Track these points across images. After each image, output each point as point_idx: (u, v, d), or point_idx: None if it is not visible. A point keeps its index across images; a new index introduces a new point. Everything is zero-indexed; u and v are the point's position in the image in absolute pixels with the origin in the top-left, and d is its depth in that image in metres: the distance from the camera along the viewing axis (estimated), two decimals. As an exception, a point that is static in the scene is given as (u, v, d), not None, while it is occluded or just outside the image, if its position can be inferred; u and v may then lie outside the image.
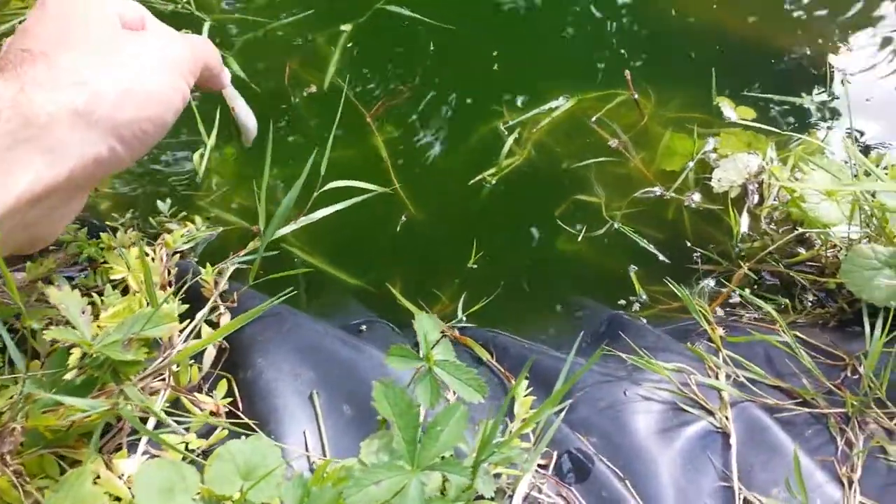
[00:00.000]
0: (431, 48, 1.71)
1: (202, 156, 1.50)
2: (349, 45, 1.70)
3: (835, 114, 1.60)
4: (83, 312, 0.99)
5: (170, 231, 1.35)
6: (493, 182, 1.50)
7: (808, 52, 1.71)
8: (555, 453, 1.05)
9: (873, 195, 1.24)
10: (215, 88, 1.07)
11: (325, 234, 1.43)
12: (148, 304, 1.18)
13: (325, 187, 1.37)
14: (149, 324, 0.98)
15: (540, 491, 1.00)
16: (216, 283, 1.21)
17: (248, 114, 1.21)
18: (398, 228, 1.44)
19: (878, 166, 1.37)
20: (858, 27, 1.76)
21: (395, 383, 0.87)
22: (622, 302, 1.37)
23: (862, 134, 1.56)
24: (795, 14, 1.79)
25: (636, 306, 1.36)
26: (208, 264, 1.21)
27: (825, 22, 1.77)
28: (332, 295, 1.38)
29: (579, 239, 1.43)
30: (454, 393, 1.09)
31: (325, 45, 1.70)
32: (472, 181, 1.50)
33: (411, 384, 0.96)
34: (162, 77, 0.86)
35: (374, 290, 1.38)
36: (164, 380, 1.09)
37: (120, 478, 0.96)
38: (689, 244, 1.42)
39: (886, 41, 1.73)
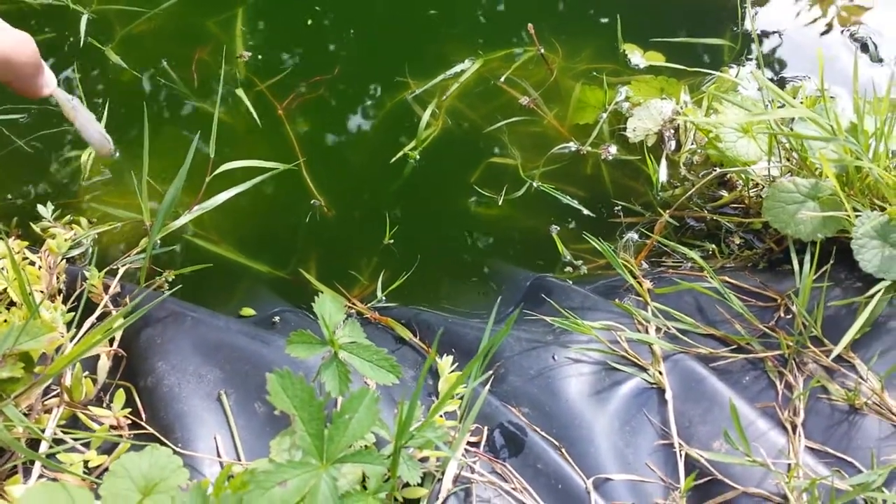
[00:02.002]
0: (328, 26, 1.63)
1: (90, 155, 1.40)
2: (243, 29, 1.61)
3: (747, 51, 1.56)
4: (-52, 331, 0.89)
5: (54, 236, 1.25)
6: (417, 157, 1.42)
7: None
8: (485, 429, 0.99)
9: (791, 127, 1.20)
10: (29, 94, 0.94)
11: (233, 224, 1.35)
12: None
13: (220, 169, 1.29)
14: (24, 335, 0.88)
15: (472, 470, 0.94)
16: (106, 288, 1.12)
17: (91, 126, 1.11)
18: (311, 213, 1.36)
19: (795, 98, 1.33)
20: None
21: (292, 373, 0.79)
22: (547, 264, 1.31)
23: (781, 67, 1.52)
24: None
25: (561, 267, 1.30)
26: (94, 268, 1.11)
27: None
28: (244, 288, 1.30)
29: (500, 203, 1.37)
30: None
31: (217, 28, 1.60)
32: (393, 159, 1.43)
33: (318, 372, 0.89)
34: None
35: (289, 277, 1.30)
36: (57, 396, 1.00)
37: (13, 507, 0.87)
38: (610, 198, 1.37)
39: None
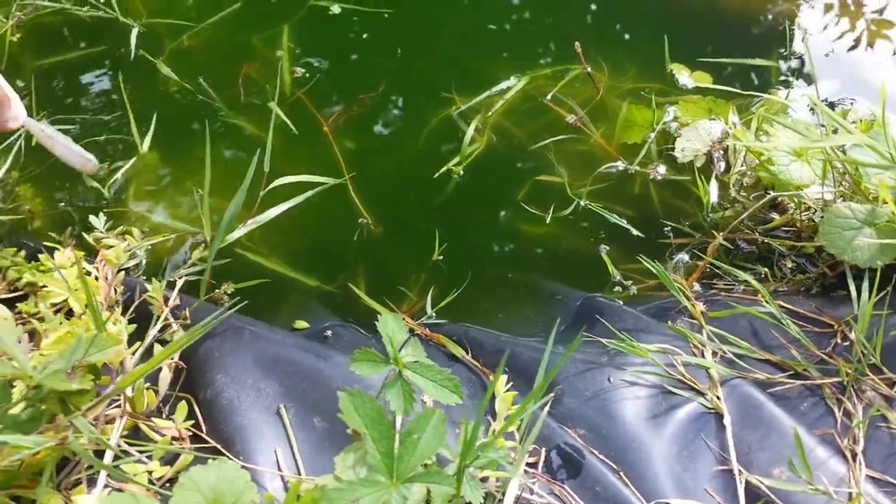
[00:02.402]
0: (372, 41, 1.64)
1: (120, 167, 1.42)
2: (290, 46, 1.62)
3: (795, 73, 1.56)
4: (19, 342, 0.91)
5: (109, 247, 1.27)
6: (461, 172, 1.43)
7: (764, 13, 1.67)
8: (543, 450, 0.99)
9: (844, 151, 1.20)
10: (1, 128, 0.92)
11: (283, 238, 1.36)
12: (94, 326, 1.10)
13: (274, 184, 1.30)
14: (92, 348, 0.90)
15: (531, 491, 0.94)
16: (166, 299, 1.14)
17: (69, 151, 1.12)
18: (360, 228, 1.37)
19: (845, 120, 1.32)
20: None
21: (363, 392, 0.80)
22: (596, 283, 1.31)
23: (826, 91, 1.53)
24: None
25: (611, 288, 1.30)
26: (155, 280, 1.13)
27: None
28: (294, 302, 1.31)
29: (547, 221, 1.37)
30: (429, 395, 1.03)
31: (264, 45, 1.62)
32: (437, 174, 1.43)
33: (382, 390, 0.89)
34: None
35: (338, 292, 1.31)
36: (120, 406, 1.01)
37: (79, 516, 0.88)
38: (658, 218, 1.37)
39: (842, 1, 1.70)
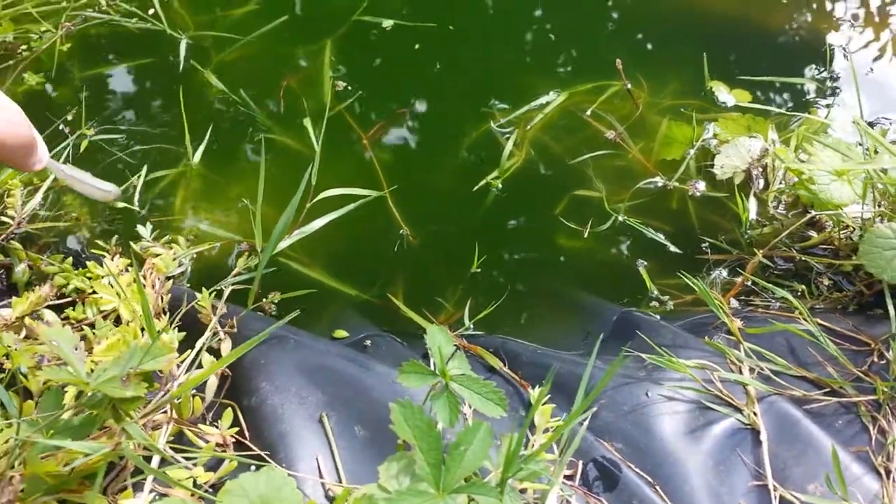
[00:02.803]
0: (414, 56, 1.67)
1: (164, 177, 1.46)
2: (332, 60, 1.65)
3: (834, 91, 1.57)
4: (76, 349, 0.94)
5: (157, 255, 1.30)
6: (500, 186, 1.45)
7: (803, 30, 1.68)
8: (580, 462, 1.01)
9: (885, 172, 1.20)
10: (24, 170, 0.92)
11: (324, 248, 1.38)
12: (143, 332, 1.13)
13: (320, 196, 1.33)
14: (147, 356, 0.92)
15: (569, 503, 0.96)
16: (214, 308, 1.16)
17: (88, 186, 1.15)
18: (399, 239, 1.39)
19: (884, 139, 1.33)
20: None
21: (413, 403, 0.82)
22: (633, 298, 1.32)
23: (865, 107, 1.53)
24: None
25: (647, 303, 1.31)
26: (204, 289, 1.15)
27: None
28: (333, 311, 1.33)
29: (585, 235, 1.39)
30: (470, 407, 1.05)
31: (307, 59, 1.65)
32: (476, 187, 1.45)
33: (427, 401, 0.91)
34: None
35: (377, 301, 1.33)
36: (166, 413, 1.04)
37: (127, 521, 0.91)
38: (696, 234, 1.38)
39: (884, 13, 1.70)
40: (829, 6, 1.72)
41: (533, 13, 1.74)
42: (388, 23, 1.70)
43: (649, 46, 1.67)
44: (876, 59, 1.63)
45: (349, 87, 1.60)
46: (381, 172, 1.47)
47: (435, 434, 0.80)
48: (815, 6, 1.73)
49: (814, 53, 1.64)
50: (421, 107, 1.58)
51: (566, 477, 1.00)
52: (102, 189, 1.15)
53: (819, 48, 1.64)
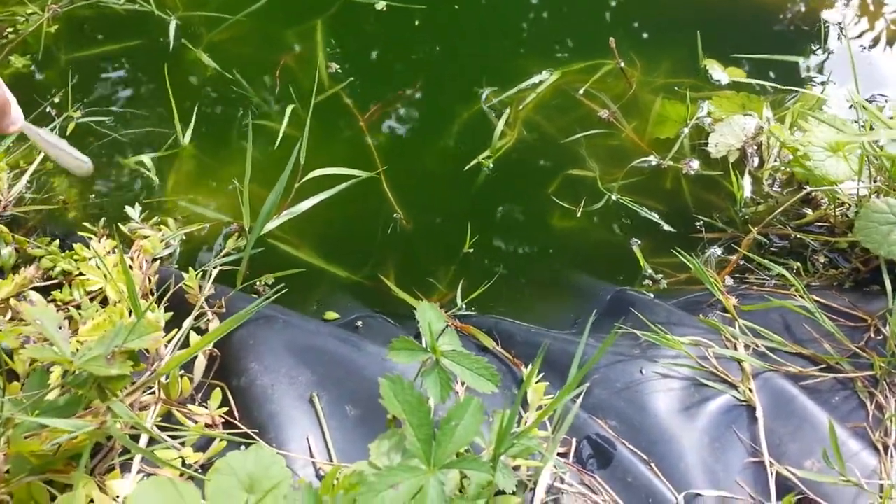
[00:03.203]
0: (406, 37, 1.65)
1: (154, 159, 1.43)
2: (325, 41, 1.63)
3: (829, 68, 1.55)
4: (60, 328, 0.92)
5: (145, 237, 1.28)
6: (491, 165, 1.43)
7: (798, 8, 1.67)
8: (574, 440, 1.00)
9: (881, 147, 1.19)
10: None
11: (314, 229, 1.36)
12: (130, 313, 1.11)
13: (308, 176, 1.32)
14: (132, 335, 0.91)
15: (562, 481, 0.94)
16: (201, 288, 1.15)
17: (64, 153, 1.13)
18: (391, 221, 1.37)
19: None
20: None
21: (403, 378, 0.80)
22: (626, 277, 1.31)
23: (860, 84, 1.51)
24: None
25: (641, 281, 1.30)
26: (191, 269, 1.14)
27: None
28: (324, 292, 1.32)
29: (578, 214, 1.37)
30: (462, 384, 1.03)
31: (298, 40, 1.63)
32: (467, 167, 1.44)
33: (418, 378, 0.90)
34: None
35: (368, 283, 1.32)
36: (153, 393, 1.02)
37: (115, 500, 0.89)
38: (690, 213, 1.37)
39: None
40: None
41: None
42: (381, 5, 1.68)
43: (643, 25, 1.65)
44: (871, 38, 1.62)
45: (340, 70, 1.58)
46: (375, 153, 1.46)
47: (425, 409, 0.79)
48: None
49: (809, 32, 1.62)
50: (414, 88, 1.56)
51: (560, 454, 0.99)
52: (78, 159, 1.13)
53: (814, 27, 1.62)
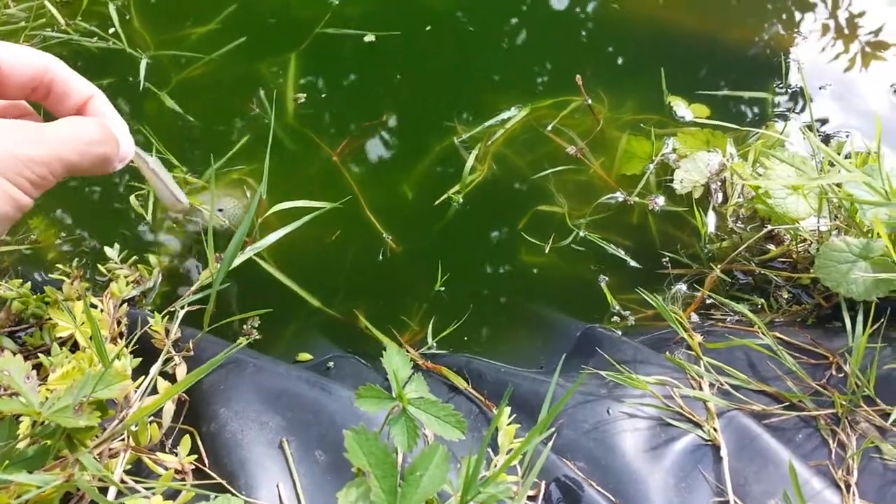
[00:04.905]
0: (375, 70, 1.67)
1: (139, 197, 1.43)
2: (295, 73, 1.64)
3: (791, 103, 1.58)
4: (28, 378, 0.92)
5: (124, 276, 1.29)
6: (461, 200, 1.45)
7: (758, 44, 1.70)
8: (542, 483, 1.01)
9: (839, 186, 1.22)
10: (104, 173, 0.82)
11: (284, 265, 1.37)
12: (98, 360, 1.11)
13: (272, 209, 1.33)
14: (100, 384, 0.91)
15: (530, 525, 0.95)
16: (167, 332, 1.15)
17: (166, 185, 1.13)
18: (361, 255, 1.39)
19: (839, 155, 1.34)
20: (805, 10, 1.76)
21: (367, 430, 0.81)
22: (595, 313, 1.32)
23: (823, 123, 1.54)
24: (741, 5, 1.77)
25: (609, 318, 1.31)
26: (157, 313, 1.14)
27: (773, 11, 1.76)
28: (296, 328, 1.32)
29: (546, 251, 1.39)
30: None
31: (270, 76, 1.64)
32: (437, 201, 1.45)
33: (385, 426, 0.91)
34: None
35: (340, 318, 1.32)
36: (123, 440, 1.02)
37: (83, 553, 0.90)
38: (656, 248, 1.39)
39: (836, 26, 1.72)
40: (786, 21, 1.74)
41: (495, 29, 1.74)
42: (369, 37, 1.70)
43: (610, 62, 1.68)
44: (841, 71, 1.65)
45: (305, 100, 1.59)
46: (350, 182, 1.47)
47: (390, 461, 0.79)
48: (773, 21, 1.74)
49: (772, 68, 1.65)
50: (384, 122, 1.58)
51: (530, 497, 1.00)
52: (176, 195, 1.13)
53: (777, 62, 1.65)
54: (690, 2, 1.79)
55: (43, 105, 0.75)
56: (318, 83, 1.64)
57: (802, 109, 1.56)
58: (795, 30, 1.72)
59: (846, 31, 1.71)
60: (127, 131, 0.80)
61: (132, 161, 0.95)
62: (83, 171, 0.74)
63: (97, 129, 0.73)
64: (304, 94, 1.60)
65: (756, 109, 1.58)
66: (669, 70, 1.61)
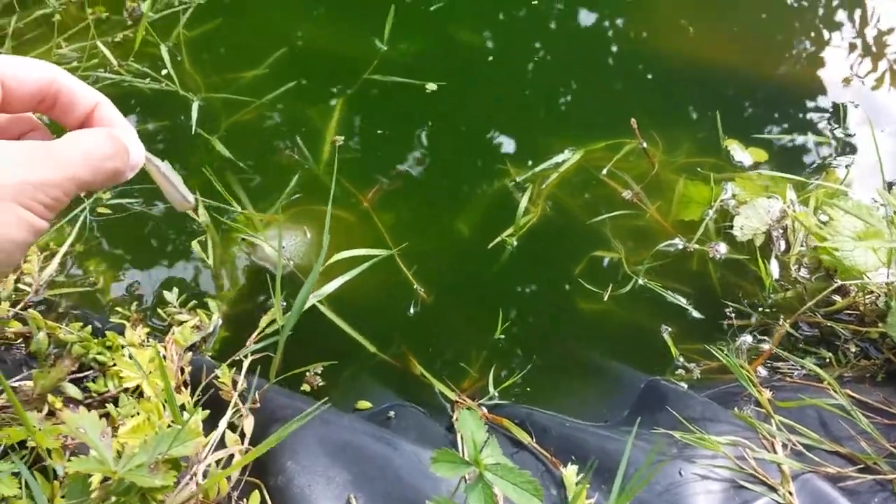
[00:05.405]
0: (427, 113, 1.67)
1: (201, 243, 1.44)
2: (343, 117, 1.65)
3: (851, 147, 1.57)
4: (103, 435, 0.92)
5: (181, 322, 1.29)
6: (514, 243, 1.44)
7: (813, 85, 1.68)
8: (616, 547, 0.99)
9: (910, 238, 1.20)
10: (116, 184, 0.83)
11: (337, 310, 1.36)
12: (165, 407, 1.12)
13: (332, 259, 1.33)
14: (175, 442, 0.91)
15: (604, 590, 0.94)
16: (234, 383, 1.15)
17: (175, 186, 1.13)
18: (417, 303, 1.38)
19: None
20: (865, 54, 1.75)
21: (449, 500, 0.80)
22: (657, 364, 1.31)
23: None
24: (796, 49, 1.76)
25: (673, 370, 1.30)
26: (224, 365, 1.14)
27: (829, 53, 1.75)
28: (354, 379, 1.32)
29: (605, 298, 1.38)
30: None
31: (317, 120, 1.65)
32: (490, 244, 1.45)
33: (459, 489, 0.90)
34: None
35: (395, 364, 1.32)
36: (192, 495, 1.02)
37: None
38: (717, 297, 1.37)
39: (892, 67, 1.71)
40: (841, 61, 1.73)
41: (544, 71, 1.74)
42: (431, 86, 1.70)
43: (663, 103, 1.67)
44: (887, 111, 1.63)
45: (354, 143, 1.60)
46: (385, 232, 1.47)
47: (475, 532, 0.79)
48: (827, 60, 1.73)
49: (828, 109, 1.64)
50: (435, 165, 1.58)
51: (601, 561, 0.98)
52: (184, 195, 1.13)
53: (831, 103, 1.64)
54: (734, 39, 1.78)
55: (49, 116, 0.75)
56: (364, 127, 1.64)
57: (854, 153, 1.54)
58: (852, 73, 1.70)
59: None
60: (136, 138, 0.79)
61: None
62: (96, 186, 0.73)
63: (108, 143, 0.72)
64: (342, 137, 1.60)
65: (816, 152, 1.57)
66: (724, 111, 1.61)
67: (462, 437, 0.90)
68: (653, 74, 1.73)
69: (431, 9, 1.85)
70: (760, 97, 1.68)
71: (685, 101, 1.68)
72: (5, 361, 1.23)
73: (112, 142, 0.73)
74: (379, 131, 1.64)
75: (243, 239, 1.43)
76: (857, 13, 1.84)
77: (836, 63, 1.73)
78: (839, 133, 1.59)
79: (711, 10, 1.84)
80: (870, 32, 1.79)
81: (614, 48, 1.78)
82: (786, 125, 1.61)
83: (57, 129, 0.71)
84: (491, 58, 1.77)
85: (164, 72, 1.71)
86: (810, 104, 1.66)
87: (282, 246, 1.23)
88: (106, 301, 1.38)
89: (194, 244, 1.43)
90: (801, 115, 1.64)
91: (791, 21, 1.82)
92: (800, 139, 1.58)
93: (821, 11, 1.84)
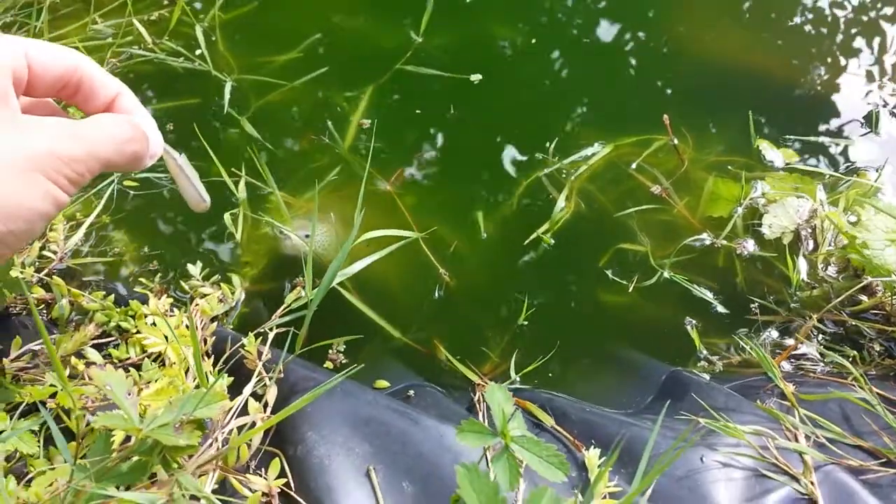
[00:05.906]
0: (455, 105, 1.67)
1: (234, 217, 1.44)
2: (373, 106, 1.65)
3: (883, 152, 1.56)
4: (129, 394, 0.92)
5: (203, 295, 1.30)
6: (551, 241, 1.44)
7: (846, 88, 1.68)
8: (635, 529, 0.99)
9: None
10: (135, 170, 0.83)
11: (360, 290, 1.37)
12: (187, 373, 1.12)
13: (361, 238, 1.33)
14: (201, 403, 0.91)
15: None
16: (259, 353, 1.15)
17: (191, 182, 1.14)
18: (441, 287, 1.38)
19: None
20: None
21: (478, 468, 0.80)
22: (679, 356, 1.30)
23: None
24: (829, 52, 1.75)
25: (695, 362, 1.29)
26: (250, 335, 1.14)
27: (863, 57, 1.74)
28: (374, 358, 1.32)
29: (630, 290, 1.37)
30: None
31: (347, 106, 1.65)
32: (527, 240, 1.45)
33: (483, 461, 0.90)
34: (17, 185, 0.65)
35: (419, 347, 1.32)
36: (212, 460, 1.02)
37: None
38: (742, 293, 1.37)
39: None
40: (874, 64, 1.72)
41: (577, 66, 1.74)
42: (475, 77, 1.70)
43: (694, 101, 1.67)
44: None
45: (368, 130, 1.60)
46: (409, 218, 1.47)
47: (500, 500, 0.78)
48: (860, 64, 1.73)
49: (861, 112, 1.63)
50: (463, 155, 1.58)
51: (621, 544, 0.98)
52: (202, 195, 1.14)
53: (864, 108, 1.63)
54: (768, 43, 1.78)
55: (71, 103, 0.76)
56: (393, 114, 1.64)
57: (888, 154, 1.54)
58: (885, 77, 1.69)
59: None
60: (155, 128, 0.81)
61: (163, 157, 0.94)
62: (117, 168, 0.76)
63: (129, 127, 0.75)
64: (368, 120, 1.61)
65: (847, 155, 1.56)
66: (757, 111, 1.60)
67: (486, 412, 0.89)
68: (687, 74, 1.72)
69: (467, 1, 1.85)
70: (793, 101, 1.67)
71: (718, 102, 1.67)
72: (27, 327, 1.23)
73: (133, 127, 0.75)
74: (415, 111, 1.64)
75: (274, 225, 1.44)
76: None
77: (870, 70, 1.72)
78: (872, 136, 1.58)
79: (750, 16, 1.83)
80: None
81: (651, 45, 1.78)
82: (819, 127, 1.60)
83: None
84: (525, 52, 1.76)
85: (198, 52, 1.72)
86: (843, 108, 1.65)
87: (314, 225, 1.23)
88: (129, 272, 1.38)
89: (226, 216, 1.43)
90: (833, 119, 1.63)
91: (829, 30, 1.81)
92: (831, 142, 1.57)
93: (864, 18, 1.84)
